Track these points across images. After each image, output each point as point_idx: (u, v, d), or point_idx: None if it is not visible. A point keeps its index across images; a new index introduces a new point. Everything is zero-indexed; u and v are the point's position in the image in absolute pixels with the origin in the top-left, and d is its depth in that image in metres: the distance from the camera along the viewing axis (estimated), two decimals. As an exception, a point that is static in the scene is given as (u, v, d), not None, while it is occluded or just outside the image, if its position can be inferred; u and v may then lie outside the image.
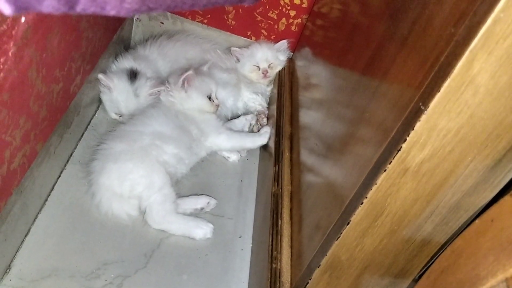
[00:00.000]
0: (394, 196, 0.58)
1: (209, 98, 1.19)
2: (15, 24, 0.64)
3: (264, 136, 1.23)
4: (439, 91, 0.48)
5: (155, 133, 1.07)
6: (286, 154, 1.08)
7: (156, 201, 1.01)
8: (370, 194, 0.58)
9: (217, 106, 1.20)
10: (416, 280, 0.70)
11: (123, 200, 1.01)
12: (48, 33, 0.77)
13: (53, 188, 1.03)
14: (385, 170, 0.56)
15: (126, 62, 1.24)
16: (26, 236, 0.93)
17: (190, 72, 1.15)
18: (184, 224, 1.03)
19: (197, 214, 1.08)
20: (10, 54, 0.65)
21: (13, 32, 0.64)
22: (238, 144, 1.22)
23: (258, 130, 1.29)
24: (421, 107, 0.50)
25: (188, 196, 1.10)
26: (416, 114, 0.51)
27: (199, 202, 1.09)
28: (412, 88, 0.54)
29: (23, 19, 0.65)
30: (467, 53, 0.45)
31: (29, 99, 0.77)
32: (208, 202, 1.09)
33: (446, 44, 0.49)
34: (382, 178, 0.56)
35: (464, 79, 0.47)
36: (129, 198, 1.02)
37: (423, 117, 0.50)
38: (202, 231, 1.03)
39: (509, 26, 0.43)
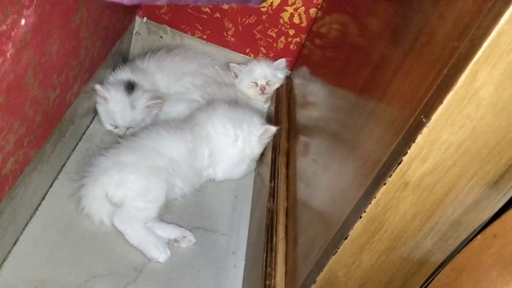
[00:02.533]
0: (394, 211, 0.57)
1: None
2: (15, 26, 0.63)
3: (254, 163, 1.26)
4: (442, 103, 0.47)
5: (172, 160, 1.05)
6: (283, 170, 1.07)
7: (135, 205, 0.99)
8: (369, 208, 0.57)
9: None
10: (413, 300, 0.69)
11: (106, 204, 0.99)
12: (47, 38, 0.76)
13: (44, 197, 1.01)
14: (385, 184, 0.55)
15: (124, 74, 1.24)
16: (14, 245, 0.91)
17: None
18: (143, 236, 0.98)
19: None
20: (8, 55, 0.64)
21: (12, 34, 0.63)
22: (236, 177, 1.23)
23: None
24: (423, 120, 0.50)
25: (169, 223, 1.05)
26: (418, 127, 0.50)
27: (174, 233, 1.02)
28: (414, 101, 0.53)
29: (23, 21, 0.64)
30: (470, 66, 0.45)
31: (25, 103, 0.76)
32: (185, 237, 1.03)
33: (449, 57, 0.49)
34: (381, 191, 0.55)
35: (467, 92, 0.47)
36: (114, 204, 0.99)
37: (425, 130, 0.49)
38: (156, 252, 0.97)
39: (513, 39, 0.43)
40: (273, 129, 1.17)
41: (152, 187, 1.00)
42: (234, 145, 1.17)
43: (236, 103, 1.25)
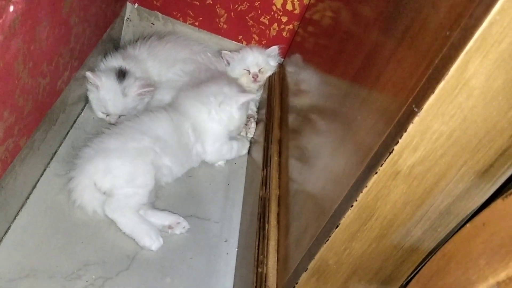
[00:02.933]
0: (385, 200, 0.57)
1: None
2: (3, 13, 0.62)
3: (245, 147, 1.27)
4: (433, 93, 0.48)
5: (157, 139, 1.05)
6: (275, 159, 1.07)
7: (125, 192, 0.99)
8: (360, 197, 0.58)
9: None
10: (403, 287, 0.70)
11: (97, 194, 0.99)
12: (36, 25, 0.75)
13: (35, 186, 1.00)
14: (376, 173, 0.55)
15: (115, 61, 1.23)
16: (5, 234, 0.90)
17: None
18: (135, 224, 0.98)
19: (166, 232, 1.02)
20: (-4, 43, 0.63)
21: (0, 21, 0.62)
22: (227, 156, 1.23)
23: (246, 134, 1.30)
24: (415, 109, 0.50)
25: (162, 210, 1.05)
26: (409, 116, 0.51)
27: (168, 219, 1.02)
28: (405, 91, 0.53)
29: (11, 8, 0.63)
30: (462, 56, 0.45)
31: (15, 91, 0.75)
32: (179, 223, 1.03)
33: (441, 47, 0.49)
34: (373, 180, 0.56)
35: (459, 81, 0.47)
36: (104, 193, 0.99)
37: (416, 119, 0.50)
38: (149, 240, 0.97)
39: (504, 28, 0.43)
40: (240, 97, 1.16)
41: (139, 171, 1.00)
42: (210, 118, 1.16)
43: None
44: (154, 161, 1.03)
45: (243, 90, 1.25)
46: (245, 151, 1.27)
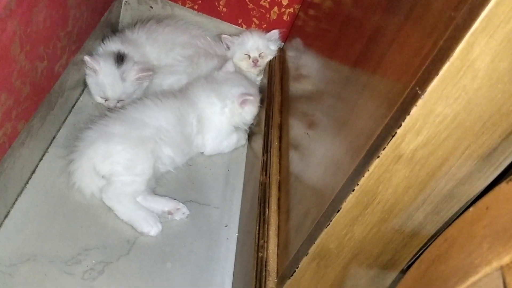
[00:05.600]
0: (386, 184, 0.57)
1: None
2: (-2, -6, 0.61)
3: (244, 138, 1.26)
4: (437, 74, 0.47)
5: (159, 129, 1.04)
6: (275, 144, 1.07)
7: (122, 180, 0.98)
8: (362, 181, 0.57)
9: None
10: (404, 271, 0.70)
11: (96, 178, 0.99)
12: (33, 7, 0.73)
13: (34, 171, 1.00)
14: (378, 157, 0.54)
15: (113, 45, 1.21)
16: (5, 219, 0.90)
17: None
18: (133, 211, 0.98)
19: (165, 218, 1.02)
20: (-8, 25, 0.62)
21: (-4, 2, 0.61)
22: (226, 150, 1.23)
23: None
24: (418, 92, 0.49)
25: (162, 196, 1.05)
26: (412, 99, 0.50)
27: (168, 205, 1.02)
28: (409, 73, 0.53)
29: (6, -11, 0.62)
30: (467, 36, 0.44)
31: (12, 75, 0.74)
32: (178, 209, 1.03)
33: (446, 28, 0.48)
34: (375, 164, 0.55)
35: (464, 63, 0.46)
36: (103, 177, 0.99)
37: (420, 102, 0.49)
38: (147, 226, 0.97)
39: (511, 9, 0.42)
40: (250, 98, 1.16)
41: (139, 159, 0.99)
42: (221, 113, 1.16)
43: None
44: (154, 151, 1.02)
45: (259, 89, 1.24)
46: (244, 141, 1.26)
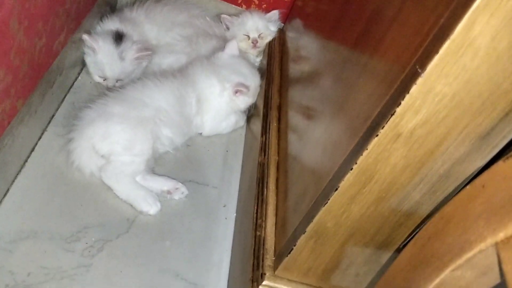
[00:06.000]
0: (384, 163, 0.57)
1: None
2: (-4, -32, 0.60)
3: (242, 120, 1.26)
4: (438, 53, 0.47)
5: (159, 109, 1.04)
6: (274, 125, 1.07)
7: (122, 160, 0.98)
8: (360, 159, 0.57)
9: None
10: (399, 250, 0.71)
11: (95, 157, 0.99)
12: (31, -18, 0.73)
13: (33, 149, 1.00)
14: (377, 135, 0.55)
15: (112, 24, 1.21)
16: (4, 196, 0.90)
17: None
18: (132, 191, 0.98)
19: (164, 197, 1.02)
20: (-11, -1, 0.61)
21: (-7, -24, 0.60)
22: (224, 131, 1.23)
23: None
24: (418, 70, 0.49)
25: (161, 175, 1.05)
26: (412, 77, 0.50)
27: (167, 184, 1.02)
28: (409, 51, 0.52)
29: (4, -37, 0.61)
30: (469, 14, 0.44)
31: (10, 51, 0.73)
32: (177, 188, 1.03)
33: (447, 6, 0.48)
34: (373, 143, 0.55)
35: (464, 41, 0.46)
36: (102, 157, 0.99)
37: (420, 81, 0.49)
38: (146, 205, 0.97)
39: (514, -14, 0.42)
40: (244, 91, 1.15)
41: (138, 139, 0.99)
42: (220, 95, 1.16)
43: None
44: (153, 132, 1.02)
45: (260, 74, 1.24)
46: (242, 123, 1.26)
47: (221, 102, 1.16)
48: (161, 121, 1.04)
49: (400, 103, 0.51)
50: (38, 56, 0.87)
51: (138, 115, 1.01)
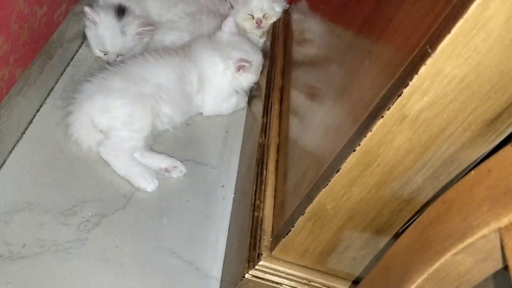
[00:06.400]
0: (388, 145, 0.56)
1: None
2: None
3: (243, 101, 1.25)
4: (449, 32, 0.45)
5: (160, 86, 1.03)
6: (276, 106, 1.06)
7: (121, 135, 0.97)
8: (363, 141, 0.56)
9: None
10: (398, 235, 0.70)
11: (94, 132, 0.98)
12: None
13: (31, 121, 0.99)
14: (382, 117, 0.53)
15: (114, -3, 1.18)
16: (1, 167, 0.90)
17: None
18: (130, 167, 0.97)
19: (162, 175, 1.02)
20: (-11, -38, 0.60)
21: None
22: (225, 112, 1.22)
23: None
24: (428, 50, 0.48)
25: (160, 153, 1.05)
26: (422, 57, 0.49)
27: (165, 162, 1.02)
28: (420, 31, 0.51)
29: None
30: (484, -7, 0.43)
31: (10, 17, 0.72)
32: (176, 167, 1.02)
33: (462, -15, 0.46)
34: (378, 125, 0.54)
35: (477, 22, 0.44)
36: (101, 131, 0.98)
37: (429, 61, 0.48)
38: (143, 182, 0.97)
39: (532, -35, 0.41)
40: (246, 65, 1.14)
41: (138, 115, 0.98)
42: (223, 74, 1.14)
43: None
44: (153, 108, 1.01)
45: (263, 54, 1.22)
46: (243, 104, 1.25)
47: (223, 82, 1.15)
48: (162, 98, 1.02)
49: (408, 84, 0.50)
50: (39, 25, 0.86)
51: (138, 91, 0.99)
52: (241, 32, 1.31)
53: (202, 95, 1.15)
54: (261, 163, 0.94)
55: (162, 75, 1.04)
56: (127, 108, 0.98)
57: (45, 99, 1.03)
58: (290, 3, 1.37)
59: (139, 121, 0.99)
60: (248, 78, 1.17)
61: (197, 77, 1.11)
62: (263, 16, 1.31)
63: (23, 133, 0.96)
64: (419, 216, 0.64)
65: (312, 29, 1.07)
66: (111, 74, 1.01)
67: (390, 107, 0.52)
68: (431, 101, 0.51)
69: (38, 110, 1.01)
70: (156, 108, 1.02)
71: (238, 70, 1.13)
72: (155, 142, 1.07)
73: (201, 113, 1.19)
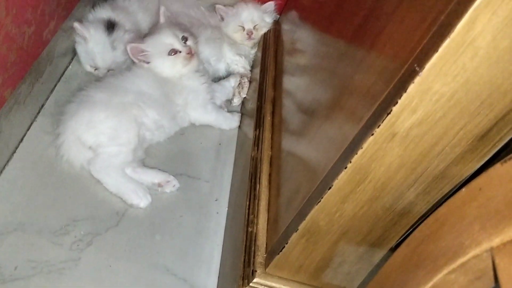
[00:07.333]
0: (379, 162, 0.56)
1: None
2: (-19, -47, 0.58)
3: (236, 120, 1.22)
4: (437, 51, 0.45)
5: (140, 93, 1.02)
6: (268, 119, 1.06)
7: (109, 151, 0.97)
8: (354, 158, 0.56)
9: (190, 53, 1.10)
10: (392, 250, 0.70)
11: (83, 150, 0.97)
12: (18, -31, 0.70)
13: (22, 140, 0.98)
14: (372, 134, 0.53)
15: (104, 12, 1.18)
16: (-9, 187, 0.89)
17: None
18: (122, 183, 0.97)
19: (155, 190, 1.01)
20: (-26, -14, 0.59)
21: (-22, -38, 0.58)
22: (214, 123, 1.19)
23: (240, 93, 1.27)
24: (416, 68, 0.48)
25: (152, 168, 1.04)
26: (410, 75, 0.49)
27: (158, 177, 1.01)
28: (407, 49, 0.51)
29: None
30: (470, 12, 0.43)
31: (-4, 40, 0.71)
32: (168, 181, 1.02)
33: (447, 3, 0.46)
34: (368, 142, 0.54)
35: (464, 40, 0.44)
36: (89, 148, 0.97)
37: (417, 79, 0.48)
38: (136, 198, 0.96)
39: (517, -16, 0.41)
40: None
41: (123, 127, 0.98)
42: (173, 70, 1.10)
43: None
44: (138, 117, 1.00)
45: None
46: (235, 124, 1.22)
47: (182, 80, 1.12)
48: (145, 103, 1.02)
49: (397, 102, 0.50)
50: (27, 45, 0.85)
51: (121, 100, 0.99)
52: (232, 43, 1.31)
53: (184, 97, 1.13)
54: (254, 177, 0.94)
55: (140, 82, 1.04)
56: (112, 120, 0.97)
57: (35, 117, 1.03)
58: (280, 14, 1.38)
59: (125, 134, 0.98)
60: (172, 62, 1.08)
61: (180, 94, 1.11)
62: (254, 28, 1.31)
63: (14, 152, 0.95)
64: (412, 230, 0.64)
65: (302, 40, 1.07)
66: (91, 89, 1.01)
67: (380, 125, 0.52)
68: (421, 119, 0.51)
69: (28, 128, 1.00)
70: (140, 116, 1.01)
71: (146, 63, 1.07)
72: (147, 156, 1.06)
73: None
